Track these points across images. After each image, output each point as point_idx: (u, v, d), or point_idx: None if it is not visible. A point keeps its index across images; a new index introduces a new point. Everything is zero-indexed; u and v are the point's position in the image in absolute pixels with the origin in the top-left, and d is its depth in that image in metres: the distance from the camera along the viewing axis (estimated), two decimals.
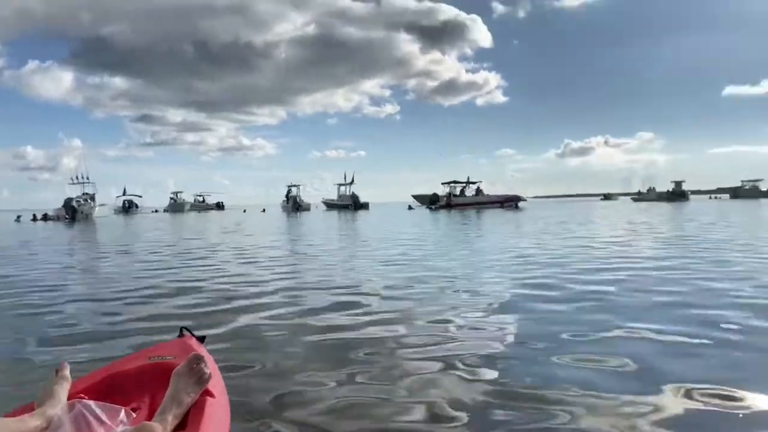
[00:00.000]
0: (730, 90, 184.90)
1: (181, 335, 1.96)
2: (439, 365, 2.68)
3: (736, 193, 63.77)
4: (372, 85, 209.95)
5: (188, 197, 67.90)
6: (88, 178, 46.14)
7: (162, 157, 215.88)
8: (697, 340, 3.07)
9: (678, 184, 61.16)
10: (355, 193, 52.11)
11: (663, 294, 4.50)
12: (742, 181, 66.05)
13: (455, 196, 47.42)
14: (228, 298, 4.85)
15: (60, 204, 40.85)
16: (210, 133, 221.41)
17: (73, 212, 38.46)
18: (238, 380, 2.48)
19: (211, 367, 1.53)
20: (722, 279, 5.19)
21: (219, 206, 70.01)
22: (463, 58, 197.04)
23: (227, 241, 13.10)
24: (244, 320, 3.89)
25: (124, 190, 59.70)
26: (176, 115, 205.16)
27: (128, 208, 56.22)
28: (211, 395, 1.45)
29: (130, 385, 1.54)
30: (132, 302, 4.78)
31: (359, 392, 2.35)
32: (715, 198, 66.03)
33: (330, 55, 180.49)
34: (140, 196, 61.76)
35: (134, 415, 1.38)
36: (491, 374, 2.55)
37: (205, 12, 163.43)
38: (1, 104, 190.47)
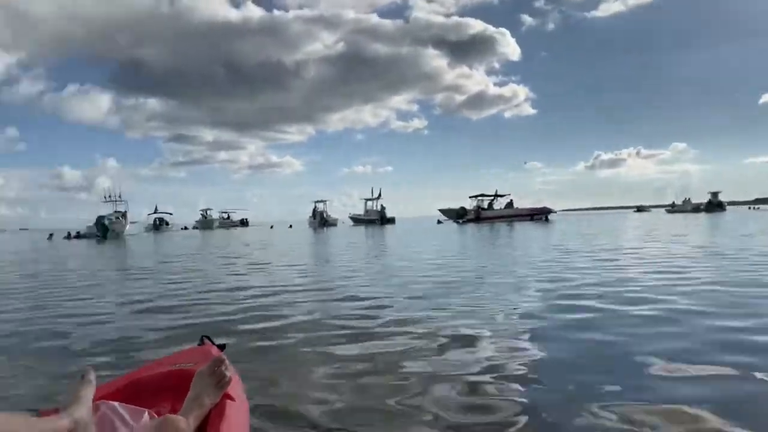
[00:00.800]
0: (767, 98, 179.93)
1: (201, 343, 1.91)
2: (462, 384, 2.46)
3: None
4: (400, 100, 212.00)
5: (216, 215, 68.83)
6: (120, 197, 46.71)
7: (194, 175, 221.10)
8: None
9: (715, 194, 59.52)
10: (383, 206, 51.75)
11: None
12: None
13: (483, 209, 46.78)
14: (251, 309, 4.74)
15: (93, 222, 41.35)
16: (241, 152, 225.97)
17: (104, 230, 38.96)
18: (257, 386, 2.43)
19: (231, 371, 1.53)
20: None
21: (243, 223, 70.87)
22: (491, 72, 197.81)
23: (256, 255, 12.91)
24: (264, 330, 3.82)
25: (156, 208, 60.89)
26: (209, 134, 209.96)
27: (159, 225, 57.17)
28: (231, 399, 1.46)
29: (151, 391, 1.55)
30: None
31: (374, 400, 2.28)
32: (755, 209, 63.80)
33: (358, 72, 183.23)
34: (171, 214, 62.96)
35: (157, 417, 1.36)
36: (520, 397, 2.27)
37: (236, 33, 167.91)
38: (40, 126, 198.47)
